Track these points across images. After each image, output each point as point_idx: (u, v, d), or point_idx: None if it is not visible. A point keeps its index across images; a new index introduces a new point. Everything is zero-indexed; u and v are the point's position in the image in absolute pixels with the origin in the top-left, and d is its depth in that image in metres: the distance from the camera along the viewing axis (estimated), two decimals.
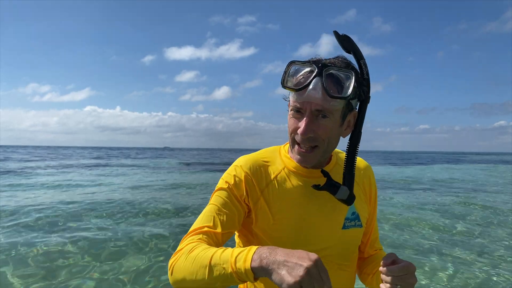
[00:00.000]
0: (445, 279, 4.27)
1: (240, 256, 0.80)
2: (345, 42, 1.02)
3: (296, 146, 1.03)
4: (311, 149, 1.01)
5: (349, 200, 1.04)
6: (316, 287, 0.71)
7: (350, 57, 1.05)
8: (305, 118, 0.97)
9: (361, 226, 1.12)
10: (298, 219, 1.04)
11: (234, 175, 1.07)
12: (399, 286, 0.92)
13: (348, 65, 1.01)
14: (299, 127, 0.98)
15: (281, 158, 1.12)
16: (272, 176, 1.07)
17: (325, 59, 1.01)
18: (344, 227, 1.08)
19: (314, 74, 0.95)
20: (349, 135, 1.06)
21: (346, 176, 1.05)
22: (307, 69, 0.99)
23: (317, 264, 0.73)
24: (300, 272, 0.71)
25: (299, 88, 0.96)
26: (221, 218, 1.00)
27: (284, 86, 1.01)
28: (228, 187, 1.05)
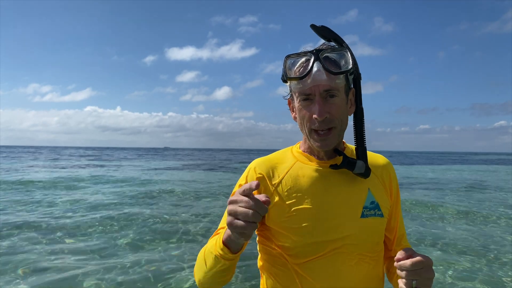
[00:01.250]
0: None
1: (218, 238, 0.97)
2: (324, 31, 1.09)
3: (314, 134, 1.05)
4: (329, 131, 1.04)
5: (367, 172, 1.07)
6: (240, 206, 0.83)
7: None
8: (316, 102, 1.00)
9: (382, 215, 1.10)
10: (315, 209, 1.05)
11: (246, 177, 1.13)
12: (415, 281, 0.89)
13: (336, 47, 1.06)
14: (313, 113, 1.01)
15: (293, 154, 1.15)
16: (285, 172, 1.10)
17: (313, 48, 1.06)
18: (362, 215, 1.06)
19: (312, 60, 1.00)
20: (353, 113, 1.12)
21: (359, 151, 1.09)
22: (303, 58, 1.03)
23: (231, 199, 0.86)
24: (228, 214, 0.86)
25: (304, 75, 0.99)
26: None
27: (287, 79, 1.04)
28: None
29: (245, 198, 0.83)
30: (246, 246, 1.00)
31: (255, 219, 0.82)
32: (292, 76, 1.02)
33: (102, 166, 25.83)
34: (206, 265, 1.00)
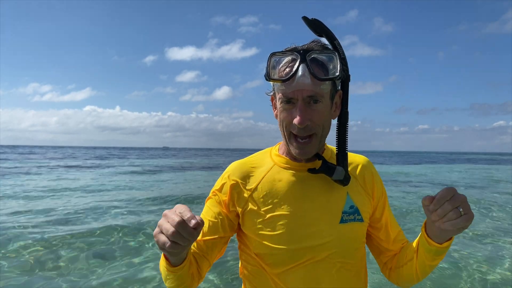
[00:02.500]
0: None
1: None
2: (316, 26, 1.01)
3: (293, 140, 1.00)
4: (309, 139, 0.99)
5: (346, 180, 1.02)
6: (168, 221, 0.76)
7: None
8: (298, 107, 0.95)
9: (361, 220, 1.06)
10: (292, 215, 1.01)
11: (222, 184, 1.10)
12: (461, 209, 0.82)
13: (325, 47, 1.00)
14: (293, 118, 0.96)
15: (271, 158, 1.11)
16: (261, 176, 1.07)
17: (302, 46, 0.99)
18: (341, 221, 1.03)
19: (298, 61, 0.93)
20: (337, 117, 1.06)
21: (339, 156, 1.04)
22: (289, 58, 0.97)
23: (165, 212, 0.80)
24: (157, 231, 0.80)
25: (287, 78, 0.93)
26: (204, 226, 0.98)
27: (270, 79, 0.98)
28: (215, 195, 1.10)
29: (175, 217, 0.75)
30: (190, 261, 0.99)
31: (176, 239, 0.75)
32: (275, 77, 0.97)
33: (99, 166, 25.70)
34: (163, 277, 1.01)
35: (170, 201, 9.44)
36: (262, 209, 1.03)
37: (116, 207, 8.22)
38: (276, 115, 1.05)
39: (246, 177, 1.08)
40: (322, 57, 0.96)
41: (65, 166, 24.09)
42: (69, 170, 20.21)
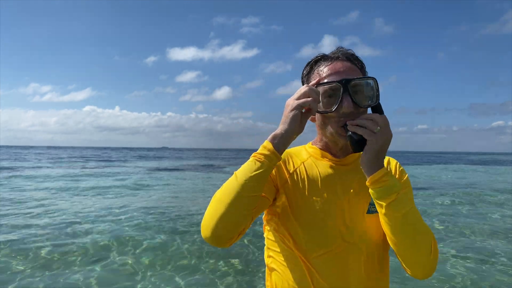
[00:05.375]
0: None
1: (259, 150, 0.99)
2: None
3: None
4: None
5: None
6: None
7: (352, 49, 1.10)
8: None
9: None
10: (326, 201, 1.06)
11: None
12: (378, 128, 0.94)
13: (361, 65, 1.09)
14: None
15: (307, 150, 1.18)
16: (300, 162, 1.13)
17: (333, 54, 1.08)
18: (368, 211, 1.06)
19: (341, 92, 0.99)
20: None
21: None
22: (331, 86, 1.01)
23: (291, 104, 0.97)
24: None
25: (335, 110, 1.01)
26: None
27: (318, 112, 1.04)
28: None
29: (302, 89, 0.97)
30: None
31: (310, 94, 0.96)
32: (322, 110, 1.03)
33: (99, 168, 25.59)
34: (236, 180, 0.95)
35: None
36: (299, 192, 1.07)
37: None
38: (312, 119, 1.13)
39: (286, 159, 1.13)
40: (362, 83, 1.01)
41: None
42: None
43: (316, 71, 1.08)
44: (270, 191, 1.07)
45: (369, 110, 1.04)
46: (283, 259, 1.09)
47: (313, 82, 1.04)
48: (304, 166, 1.11)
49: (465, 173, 23.33)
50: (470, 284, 4.18)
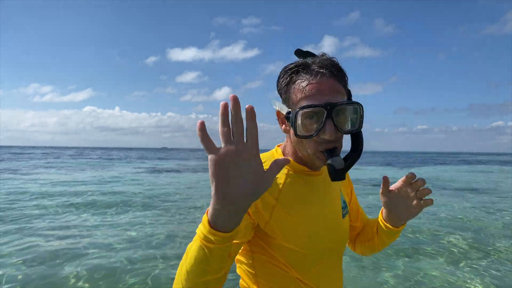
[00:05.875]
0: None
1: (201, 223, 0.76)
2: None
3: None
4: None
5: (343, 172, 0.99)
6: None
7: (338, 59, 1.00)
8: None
9: (348, 212, 1.19)
10: (315, 216, 1.04)
11: None
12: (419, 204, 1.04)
13: (346, 80, 0.99)
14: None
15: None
16: (282, 181, 1.04)
17: (317, 65, 0.96)
18: (343, 216, 1.14)
19: (324, 117, 0.91)
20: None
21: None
22: (316, 110, 0.93)
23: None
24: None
25: (315, 135, 0.93)
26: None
27: (297, 136, 0.95)
28: None
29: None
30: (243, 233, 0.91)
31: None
32: (302, 133, 0.94)
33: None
34: (185, 264, 0.79)
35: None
36: (289, 214, 1.00)
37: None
38: (286, 130, 1.05)
39: None
40: (347, 108, 0.94)
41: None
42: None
43: (298, 86, 0.96)
44: (247, 232, 0.96)
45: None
46: (279, 283, 1.02)
47: (296, 102, 0.95)
48: (287, 186, 1.03)
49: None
50: None
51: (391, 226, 1.12)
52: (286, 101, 1.00)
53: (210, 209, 0.71)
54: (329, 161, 0.95)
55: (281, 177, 1.05)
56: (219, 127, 0.65)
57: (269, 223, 0.99)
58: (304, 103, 0.93)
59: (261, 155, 1.09)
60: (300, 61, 0.99)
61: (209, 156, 0.65)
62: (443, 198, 10.89)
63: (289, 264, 1.01)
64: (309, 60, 0.99)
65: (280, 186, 1.03)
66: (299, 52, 1.05)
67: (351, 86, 1.05)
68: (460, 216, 7.90)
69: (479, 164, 39.84)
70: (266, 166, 0.98)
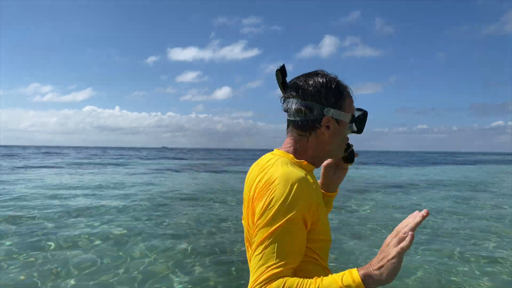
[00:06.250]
0: None
1: (345, 277, 0.90)
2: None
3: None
4: None
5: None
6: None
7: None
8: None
9: None
10: (326, 210, 1.15)
11: (310, 204, 1.04)
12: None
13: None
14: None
15: (297, 165, 1.13)
16: (314, 180, 1.11)
17: (336, 78, 1.18)
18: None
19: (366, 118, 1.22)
20: None
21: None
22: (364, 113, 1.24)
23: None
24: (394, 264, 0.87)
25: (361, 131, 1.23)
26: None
27: (360, 132, 1.22)
28: (302, 215, 1.02)
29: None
30: None
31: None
32: (354, 130, 1.22)
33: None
34: None
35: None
36: (323, 209, 1.10)
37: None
38: (329, 134, 1.17)
39: (314, 183, 1.11)
40: None
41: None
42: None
43: (348, 98, 1.18)
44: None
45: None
46: (316, 274, 1.01)
47: (353, 109, 1.20)
48: (317, 186, 1.11)
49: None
50: None
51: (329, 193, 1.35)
52: (340, 108, 1.16)
53: (368, 277, 0.89)
54: (352, 147, 1.28)
55: (312, 177, 1.13)
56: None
57: (316, 222, 1.06)
58: (357, 111, 1.22)
59: (293, 167, 1.10)
60: (338, 78, 1.18)
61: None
62: (444, 198, 10.85)
63: (322, 254, 1.11)
64: (336, 78, 1.18)
65: (315, 186, 1.09)
66: (283, 71, 1.18)
67: (351, 86, 1.17)
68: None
69: (479, 164, 39.80)
70: (310, 180, 1.08)
